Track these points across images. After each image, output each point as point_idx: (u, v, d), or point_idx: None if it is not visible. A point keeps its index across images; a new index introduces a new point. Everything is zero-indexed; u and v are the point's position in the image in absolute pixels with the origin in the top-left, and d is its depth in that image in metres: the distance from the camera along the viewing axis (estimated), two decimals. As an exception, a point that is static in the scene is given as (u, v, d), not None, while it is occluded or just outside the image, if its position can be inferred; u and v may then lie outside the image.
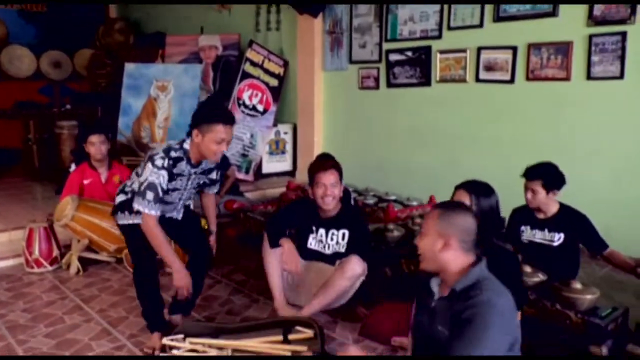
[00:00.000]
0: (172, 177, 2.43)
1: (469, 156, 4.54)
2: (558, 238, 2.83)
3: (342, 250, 3.01)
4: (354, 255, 2.84)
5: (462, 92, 4.56)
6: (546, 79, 3.98)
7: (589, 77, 3.75)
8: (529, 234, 2.93)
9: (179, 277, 2.49)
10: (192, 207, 2.95)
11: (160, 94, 5.78)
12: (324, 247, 3.04)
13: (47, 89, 7.46)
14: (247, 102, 5.90)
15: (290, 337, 2.51)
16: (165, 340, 2.46)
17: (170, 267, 2.55)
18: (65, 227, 3.61)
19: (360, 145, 5.54)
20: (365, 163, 5.41)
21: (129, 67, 5.87)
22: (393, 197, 4.53)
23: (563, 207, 2.88)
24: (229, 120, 2.42)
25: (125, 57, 6.60)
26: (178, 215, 2.74)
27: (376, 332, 2.67)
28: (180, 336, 2.48)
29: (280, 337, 2.49)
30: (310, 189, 3.00)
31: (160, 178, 2.36)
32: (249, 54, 5.83)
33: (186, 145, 2.46)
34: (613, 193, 3.75)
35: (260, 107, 5.95)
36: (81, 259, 3.67)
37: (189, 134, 2.44)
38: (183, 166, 2.46)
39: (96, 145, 3.78)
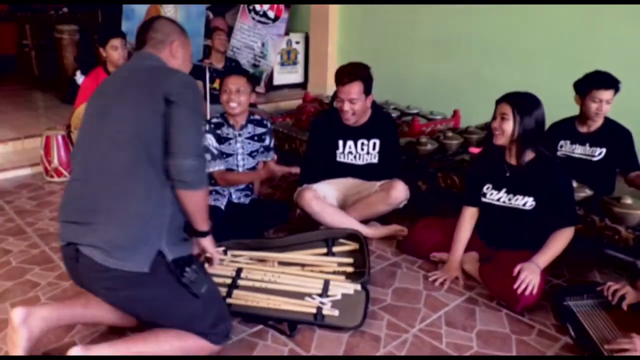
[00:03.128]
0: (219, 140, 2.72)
1: (496, 68, 4.36)
2: (599, 153, 2.75)
3: (375, 160, 2.94)
4: (399, 182, 2.78)
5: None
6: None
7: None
8: (568, 148, 2.85)
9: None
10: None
11: (165, -4, 5.40)
12: (355, 157, 2.94)
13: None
14: (258, 7, 5.55)
15: (335, 249, 2.49)
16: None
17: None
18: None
19: (378, 56, 5.28)
20: (384, 75, 5.16)
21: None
22: (415, 111, 4.39)
23: (608, 121, 2.77)
24: None
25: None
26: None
27: (415, 247, 2.64)
28: (222, 249, 2.42)
29: (325, 250, 2.47)
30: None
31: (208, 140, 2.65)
32: (260, -46, 5.42)
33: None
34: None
35: (271, 14, 5.61)
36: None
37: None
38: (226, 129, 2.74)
39: (119, 49, 3.51)
